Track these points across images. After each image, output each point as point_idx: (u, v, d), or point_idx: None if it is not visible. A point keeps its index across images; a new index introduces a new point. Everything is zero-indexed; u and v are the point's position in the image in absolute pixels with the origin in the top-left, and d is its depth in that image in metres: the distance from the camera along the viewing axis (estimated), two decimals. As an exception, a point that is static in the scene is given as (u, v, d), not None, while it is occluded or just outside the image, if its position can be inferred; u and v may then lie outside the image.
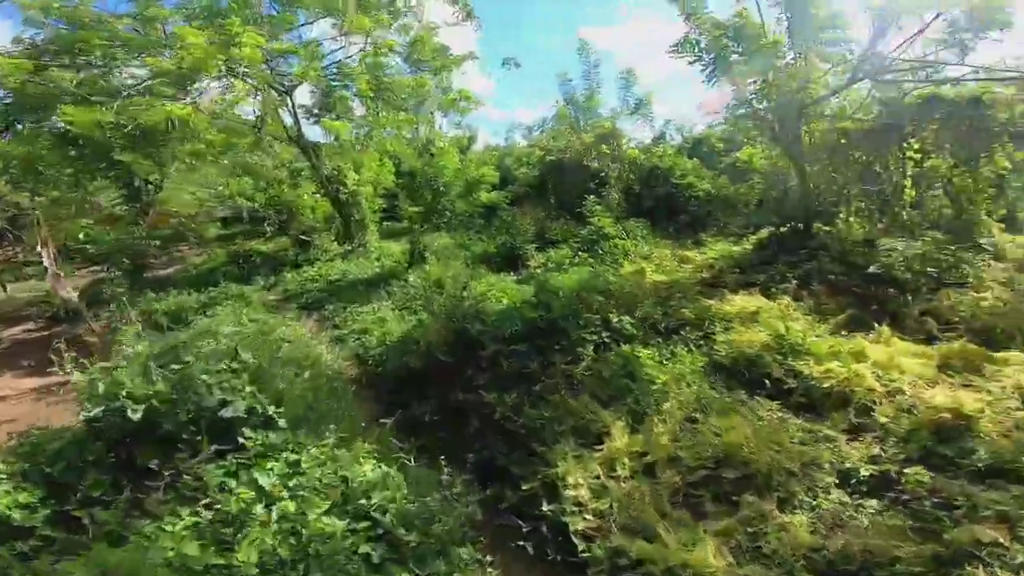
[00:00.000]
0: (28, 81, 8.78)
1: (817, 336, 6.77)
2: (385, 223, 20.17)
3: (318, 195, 17.64)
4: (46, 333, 12.57)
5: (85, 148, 9.56)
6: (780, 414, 5.47)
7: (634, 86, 20.73)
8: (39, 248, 9.60)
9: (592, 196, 17.71)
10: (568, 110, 20.99)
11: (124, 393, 3.75)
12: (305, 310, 11.95)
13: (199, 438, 3.89)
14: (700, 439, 5.03)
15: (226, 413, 3.79)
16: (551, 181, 23.46)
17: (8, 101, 10.50)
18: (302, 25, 13.16)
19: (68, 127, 8.45)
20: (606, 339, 6.43)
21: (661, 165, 19.98)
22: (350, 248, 16.13)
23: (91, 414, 3.75)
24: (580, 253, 13.25)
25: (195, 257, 20.87)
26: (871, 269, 8.84)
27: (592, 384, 5.77)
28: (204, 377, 3.88)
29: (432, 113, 17.82)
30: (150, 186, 15.38)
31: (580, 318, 6.52)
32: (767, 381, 5.96)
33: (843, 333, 6.99)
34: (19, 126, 10.67)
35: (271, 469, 3.91)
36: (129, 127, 8.82)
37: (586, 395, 5.61)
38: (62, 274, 10.76)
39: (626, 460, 4.97)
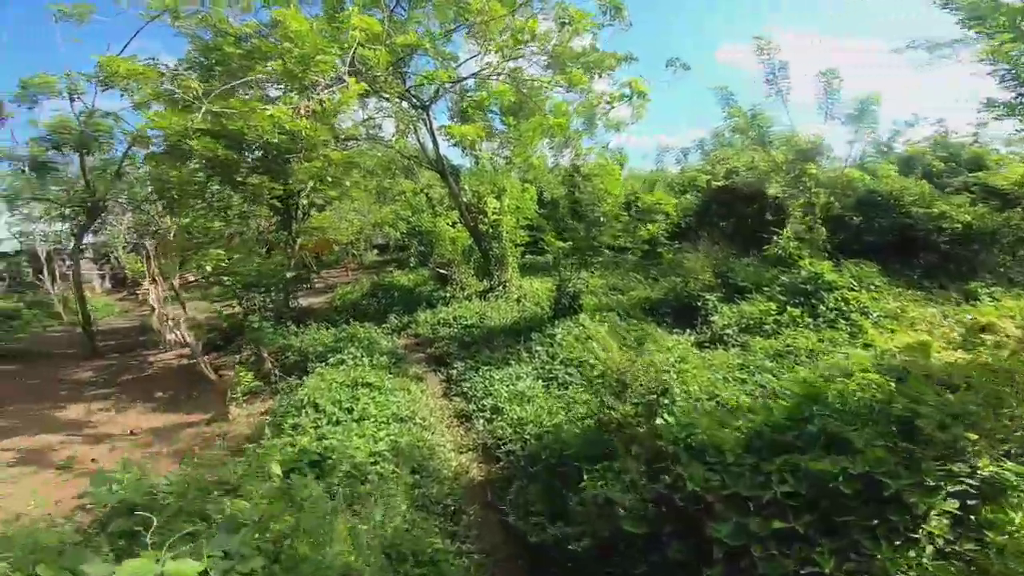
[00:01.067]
0: (159, 94, 8.28)
1: None
2: (526, 256, 18.09)
3: (457, 225, 16.11)
4: (193, 362, 12.30)
5: (211, 169, 8.81)
6: None
7: (839, 91, 16.07)
8: (146, 285, 8.92)
9: (786, 230, 13.89)
10: (746, 123, 16.89)
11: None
12: (432, 364, 10.08)
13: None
14: None
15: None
16: (718, 210, 19.70)
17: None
18: (438, 37, 11.59)
19: (193, 148, 7.62)
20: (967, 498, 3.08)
21: (880, 189, 15.25)
22: (488, 286, 14.17)
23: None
24: (789, 308, 9.61)
25: (344, 284, 20.89)
26: None
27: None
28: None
29: (579, 131, 15.46)
30: (299, 212, 15.04)
31: (919, 465, 3.15)
32: None
33: None
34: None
35: None
36: (256, 145, 7.68)
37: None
38: (169, 313, 10.15)
39: None
